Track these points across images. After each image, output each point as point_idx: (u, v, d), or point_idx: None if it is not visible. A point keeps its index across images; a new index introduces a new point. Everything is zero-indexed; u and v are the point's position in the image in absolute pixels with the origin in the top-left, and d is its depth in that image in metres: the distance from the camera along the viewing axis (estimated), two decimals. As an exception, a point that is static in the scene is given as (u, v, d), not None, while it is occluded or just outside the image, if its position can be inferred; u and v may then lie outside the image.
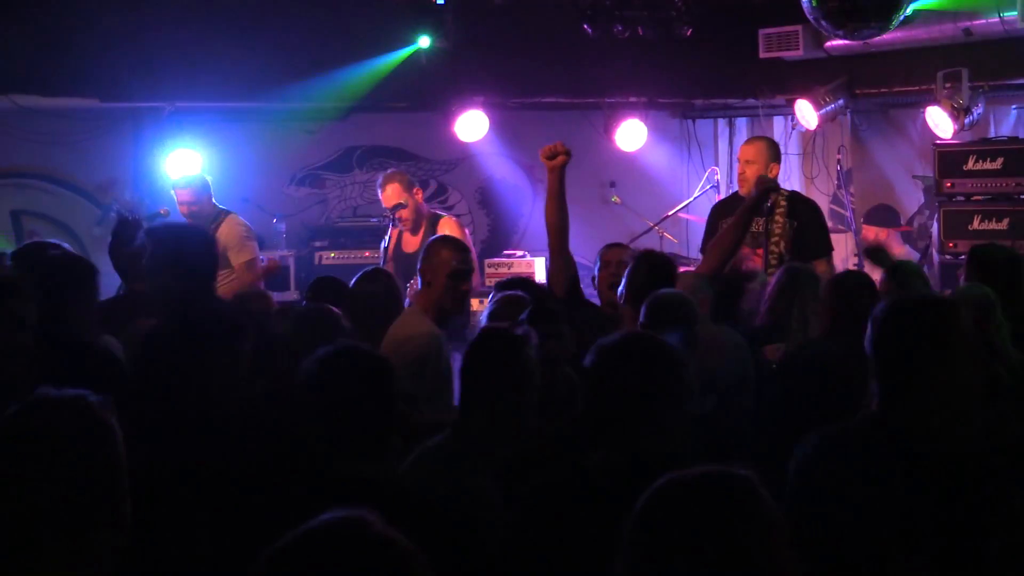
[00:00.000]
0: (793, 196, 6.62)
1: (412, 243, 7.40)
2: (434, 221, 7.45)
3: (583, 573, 2.58)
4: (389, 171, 7.79)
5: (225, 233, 7.29)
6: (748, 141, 6.92)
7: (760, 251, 6.33)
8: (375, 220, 8.77)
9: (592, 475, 2.79)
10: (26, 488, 2.03)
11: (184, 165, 8.44)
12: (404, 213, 7.30)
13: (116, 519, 2.14)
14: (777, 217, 6.36)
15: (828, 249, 6.51)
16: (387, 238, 7.36)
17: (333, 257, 8.77)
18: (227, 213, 7.48)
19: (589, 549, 2.52)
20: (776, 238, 6.33)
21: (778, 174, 6.62)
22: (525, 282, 5.24)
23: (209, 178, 7.58)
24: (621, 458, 2.76)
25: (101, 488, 2.10)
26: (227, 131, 8.94)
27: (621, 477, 2.66)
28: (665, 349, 2.88)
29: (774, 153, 6.66)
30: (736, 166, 10.23)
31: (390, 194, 7.30)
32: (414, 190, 7.41)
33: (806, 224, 6.41)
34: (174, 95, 8.08)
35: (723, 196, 7.13)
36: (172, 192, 7.58)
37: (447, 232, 7.34)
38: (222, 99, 8.24)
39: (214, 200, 7.48)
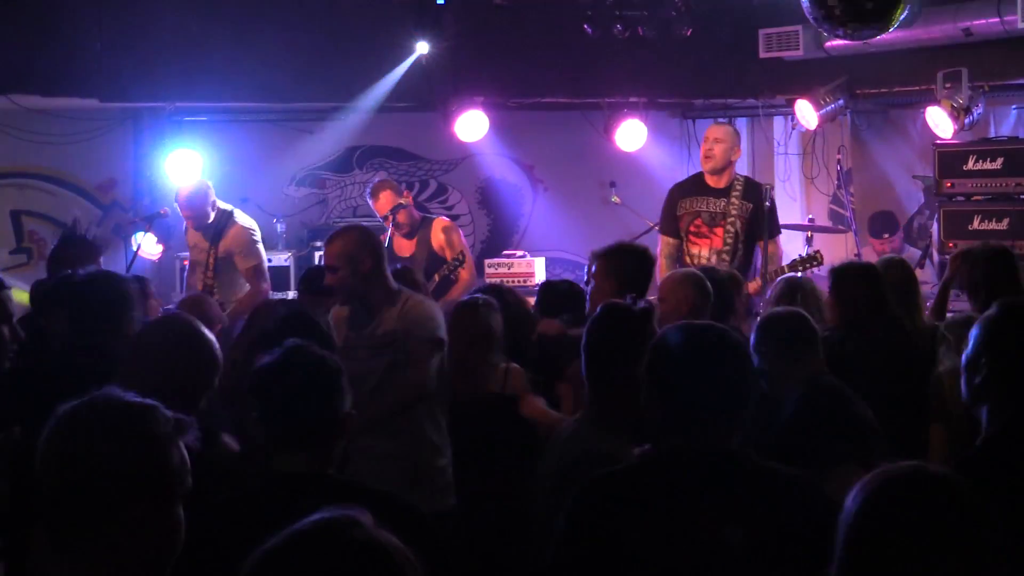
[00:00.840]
0: (747, 180, 7.16)
1: (406, 247, 7.43)
2: (427, 223, 7.51)
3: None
4: (376, 180, 7.87)
5: (232, 238, 7.25)
6: (716, 123, 7.31)
7: (718, 230, 6.91)
8: (375, 220, 8.76)
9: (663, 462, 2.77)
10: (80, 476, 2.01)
11: (184, 165, 8.44)
12: (402, 216, 7.30)
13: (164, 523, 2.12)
14: (734, 199, 6.92)
15: (777, 231, 7.02)
16: (388, 238, 7.35)
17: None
18: (232, 218, 7.33)
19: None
20: (732, 218, 6.88)
21: (736, 159, 7.18)
22: (497, 289, 5.38)
23: (209, 182, 7.49)
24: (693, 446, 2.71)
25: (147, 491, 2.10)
26: (227, 131, 8.95)
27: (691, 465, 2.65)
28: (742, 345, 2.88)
29: (738, 139, 7.22)
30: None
31: (384, 201, 7.34)
32: (404, 193, 7.49)
33: (760, 207, 6.84)
34: (174, 95, 8.07)
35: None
36: (175, 204, 7.53)
37: (441, 233, 7.38)
38: (222, 99, 8.24)
39: (217, 202, 7.34)
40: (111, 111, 8.38)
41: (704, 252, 6.99)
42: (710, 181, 7.06)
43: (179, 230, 8.06)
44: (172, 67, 7.70)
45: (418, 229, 7.45)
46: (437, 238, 7.44)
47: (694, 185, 7.08)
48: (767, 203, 6.82)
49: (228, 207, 7.41)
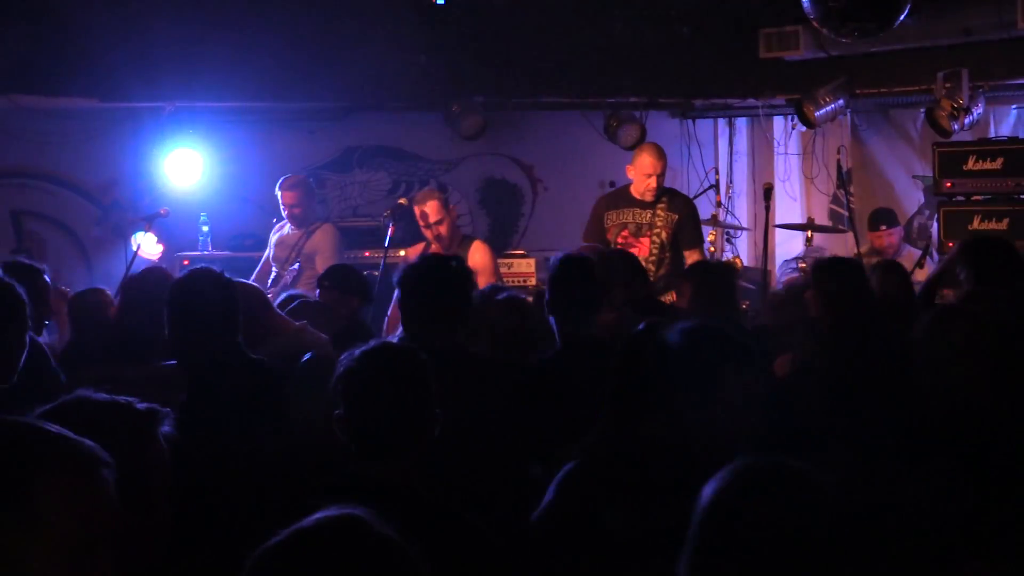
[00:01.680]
0: (672, 192, 7.45)
1: None
2: (467, 242, 7.24)
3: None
4: (426, 188, 7.91)
5: (319, 240, 7.60)
6: (654, 153, 7.26)
7: (644, 240, 7.21)
8: (375, 220, 8.76)
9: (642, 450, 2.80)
10: None
11: (184, 165, 8.46)
12: (443, 229, 7.08)
13: (154, 527, 2.13)
14: (659, 211, 7.19)
15: (701, 241, 7.44)
16: (388, 238, 7.30)
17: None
18: (323, 221, 7.80)
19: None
20: (658, 229, 7.16)
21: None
22: None
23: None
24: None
25: (137, 494, 2.09)
26: (227, 131, 8.94)
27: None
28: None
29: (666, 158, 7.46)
30: (734, 165, 10.36)
31: (430, 210, 7.06)
32: (451, 207, 7.28)
33: (685, 217, 7.23)
34: (174, 95, 8.07)
35: (631, 195, 7.39)
36: (277, 192, 7.71)
37: (478, 257, 7.12)
38: (222, 99, 8.23)
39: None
40: (111, 111, 8.37)
41: None
42: (636, 194, 7.27)
43: (179, 230, 8.09)
44: (172, 67, 7.69)
45: (458, 246, 7.17)
46: (474, 259, 7.00)
47: (621, 198, 7.35)
48: (690, 214, 7.27)
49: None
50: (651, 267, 7.10)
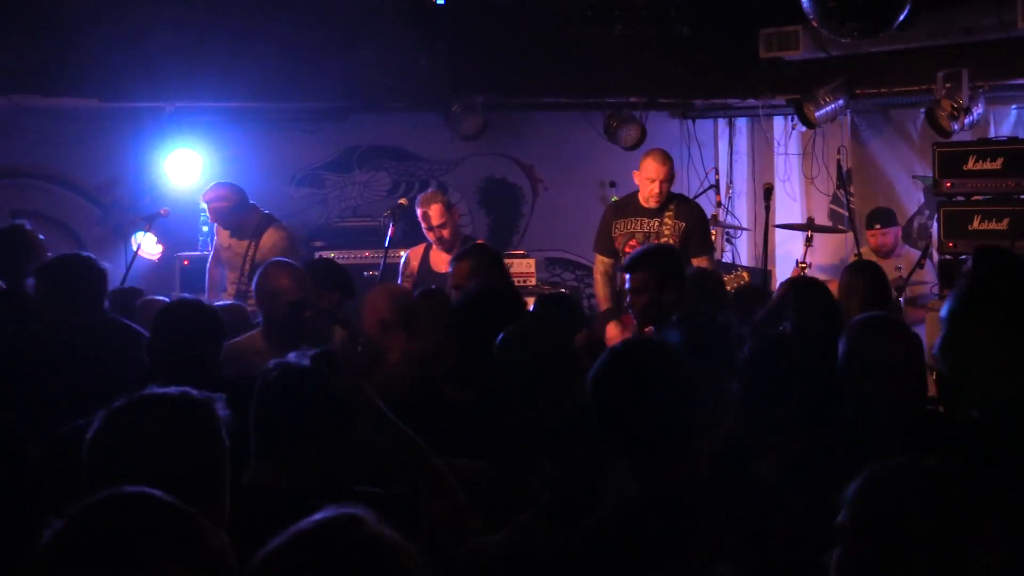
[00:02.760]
0: (680, 199, 7.28)
1: (443, 262, 7.13)
2: (467, 244, 6.97)
3: None
4: (429, 191, 7.47)
5: (267, 244, 7.14)
6: (659, 159, 7.12)
7: None
8: (375, 220, 8.77)
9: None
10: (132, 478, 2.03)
11: (184, 165, 8.45)
12: (446, 232, 7.07)
13: (216, 511, 2.19)
14: (667, 219, 7.03)
15: (709, 249, 7.21)
16: (388, 238, 7.30)
17: (333, 257, 8.76)
18: (270, 221, 7.31)
19: None
20: (665, 237, 6.99)
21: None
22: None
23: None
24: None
25: (202, 481, 2.17)
26: (227, 131, 8.95)
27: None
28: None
29: (673, 164, 7.27)
30: (734, 166, 10.37)
31: (433, 213, 7.05)
32: (453, 210, 7.26)
33: (693, 225, 7.05)
34: (174, 95, 8.07)
35: (637, 200, 7.26)
36: (203, 204, 7.47)
37: None
38: (222, 99, 8.23)
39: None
40: (111, 111, 8.37)
41: None
42: (643, 202, 7.15)
43: (179, 230, 8.09)
44: (172, 67, 7.69)
45: (460, 247, 6.99)
46: None
47: (628, 206, 7.22)
48: (698, 222, 7.10)
49: (267, 213, 7.39)
50: None
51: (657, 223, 7.08)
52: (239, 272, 7.18)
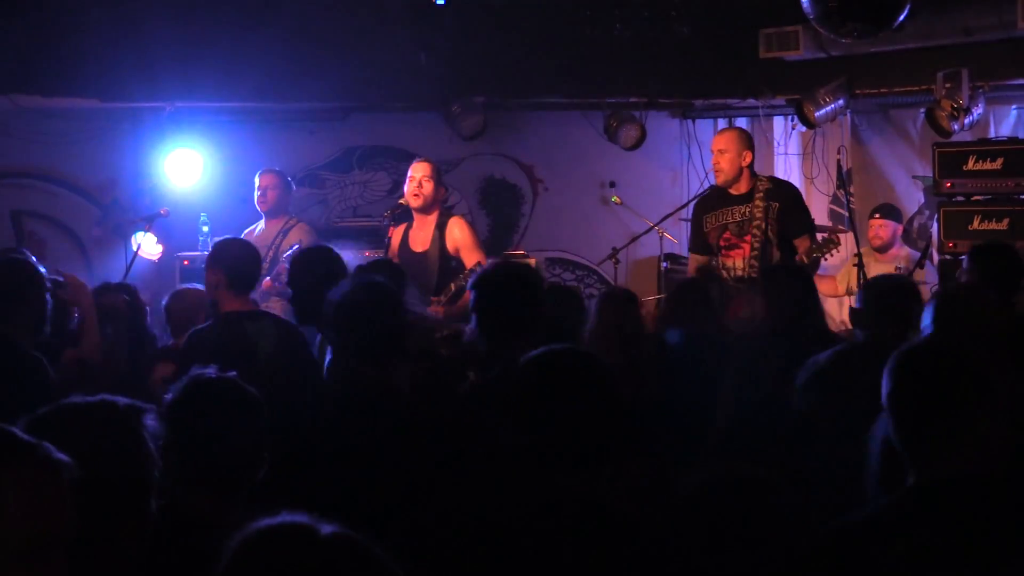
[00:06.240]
0: (769, 179, 6.97)
1: (420, 240, 7.02)
2: (443, 220, 7.02)
3: None
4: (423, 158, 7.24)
5: (295, 238, 7.28)
6: (720, 132, 7.11)
7: (747, 237, 6.66)
8: (375, 220, 8.76)
9: None
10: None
11: (184, 165, 8.45)
12: (428, 187, 6.90)
13: (139, 522, 2.17)
14: (757, 202, 6.65)
15: (811, 226, 6.81)
16: (388, 238, 7.29)
17: (333, 257, 8.76)
18: (297, 220, 7.60)
19: None
20: (758, 221, 6.61)
21: (752, 162, 6.83)
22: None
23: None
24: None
25: (125, 491, 2.14)
26: (227, 131, 8.94)
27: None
28: None
29: (747, 141, 6.90)
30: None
31: (421, 167, 6.94)
32: (439, 181, 7.09)
33: (787, 205, 6.69)
34: (174, 95, 8.07)
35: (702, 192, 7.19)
36: (256, 179, 7.58)
37: (456, 232, 6.92)
38: (222, 99, 8.24)
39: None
40: (111, 111, 8.38)
41: (738, 263, 6.69)
42: (730, 190, 6.79)
43: (180, 230, 8.07)
44: (172, 67, 7.70)
45: (436, 223, 7.00)
46: (452, 236, 6.96)
47: (716, 198, 6.83)
48: (792, 200, 6.74)
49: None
50: (754, 263, 6.57)
51: (748, 208, 6.67)
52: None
